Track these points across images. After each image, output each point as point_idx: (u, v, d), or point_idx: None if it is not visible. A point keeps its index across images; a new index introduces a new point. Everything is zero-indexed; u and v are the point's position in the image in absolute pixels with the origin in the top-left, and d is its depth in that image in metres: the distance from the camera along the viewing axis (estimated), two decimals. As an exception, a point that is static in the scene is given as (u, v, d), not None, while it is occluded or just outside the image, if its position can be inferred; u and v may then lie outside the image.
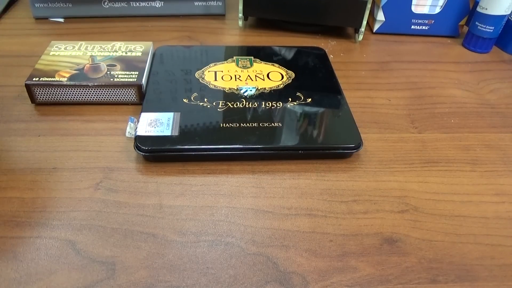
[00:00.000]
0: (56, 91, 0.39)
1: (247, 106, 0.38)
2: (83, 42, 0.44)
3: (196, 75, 0.43)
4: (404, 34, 0.57)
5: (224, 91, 0.40)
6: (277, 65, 0.45)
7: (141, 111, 0.37)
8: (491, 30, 0.51)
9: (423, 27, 0.56)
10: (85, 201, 0.31)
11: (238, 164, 0.35)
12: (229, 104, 0.39)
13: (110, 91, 0.40)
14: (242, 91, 0.40)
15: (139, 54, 0.43)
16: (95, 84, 0.39)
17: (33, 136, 0.36)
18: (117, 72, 0.40)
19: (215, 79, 0.42)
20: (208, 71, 0.43)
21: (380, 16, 0.55)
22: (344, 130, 0.37)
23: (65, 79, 0.39)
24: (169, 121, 0.36)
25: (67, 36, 0.51)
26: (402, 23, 0.56)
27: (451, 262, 0.28)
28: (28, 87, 0.39)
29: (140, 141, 0.34)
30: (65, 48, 0.43)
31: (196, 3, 0.57)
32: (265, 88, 0.41)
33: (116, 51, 0.43)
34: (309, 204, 0.32)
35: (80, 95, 0.40)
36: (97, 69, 0.41)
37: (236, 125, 0.36)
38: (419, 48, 0.54)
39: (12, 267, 0.26)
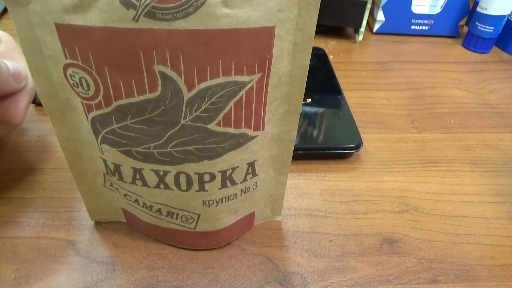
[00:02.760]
0: (56, 91, 0.39)
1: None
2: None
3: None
4: (404, 34, 0.57)
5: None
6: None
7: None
8: (491, 30, 0.51)
9: (423, 27, 0.56)
10: (85, 201, 0.31)
11: (238, 164, 0.35)
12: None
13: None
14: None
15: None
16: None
17: (33, 136, 0.36)
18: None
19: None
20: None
21: (380, 16, 0.55)
22: (344, 130, 0.37)
23: (65, 79, 0.39)
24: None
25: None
26: (402, 23, 0.56)
27: (451, 262, 0.28)
28: (28, 87, 0.39)
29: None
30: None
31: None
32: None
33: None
34: (309, 204, 0.32)
35: (80, 95, 0.39)
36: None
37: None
38: (419, 48, 0.54)
39: (12, 267, 0.26)
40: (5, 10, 0.57)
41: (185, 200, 0.23)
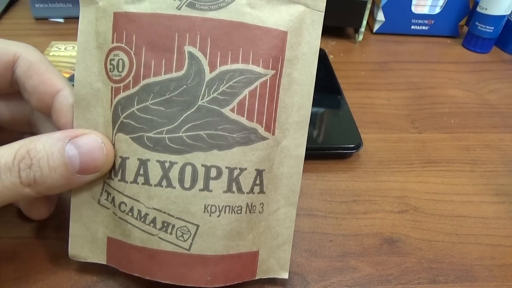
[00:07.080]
0: (56, 91, 0.39)
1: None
2: (83, 42, 0.44)
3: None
4: (404, 34, 0.57)
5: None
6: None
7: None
8: (491, 30, 0.51)
9: (423, 27, 0.56)
10: (85, 201, 0.31)
11: (238, 164, 0.35)
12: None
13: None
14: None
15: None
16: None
17: (33, 136, 0.36)
18: (117, 72, 0.40)
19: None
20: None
21: (380, 16, 0.55)
22: (344, 130, 0.37)
23: (65, 79, 0.39)
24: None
25: (67, 36, 0.51)
26: (402, 23, 0.56)
27: (451, 262, 0.28)
28: (28, 87, 0.39)
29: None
30: (65, 49, 0.43)
31: (196, 3, 0.57)
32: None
33: (116, 51, 0.43)
34: (309, 204, 0.32)
35: (80, 95, 0.40)
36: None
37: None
38: (419, 48, 0.54)
39: (13, 267, 0.26)
40: (5, 10, 0.57)
41: (185, 203, 0.22)
